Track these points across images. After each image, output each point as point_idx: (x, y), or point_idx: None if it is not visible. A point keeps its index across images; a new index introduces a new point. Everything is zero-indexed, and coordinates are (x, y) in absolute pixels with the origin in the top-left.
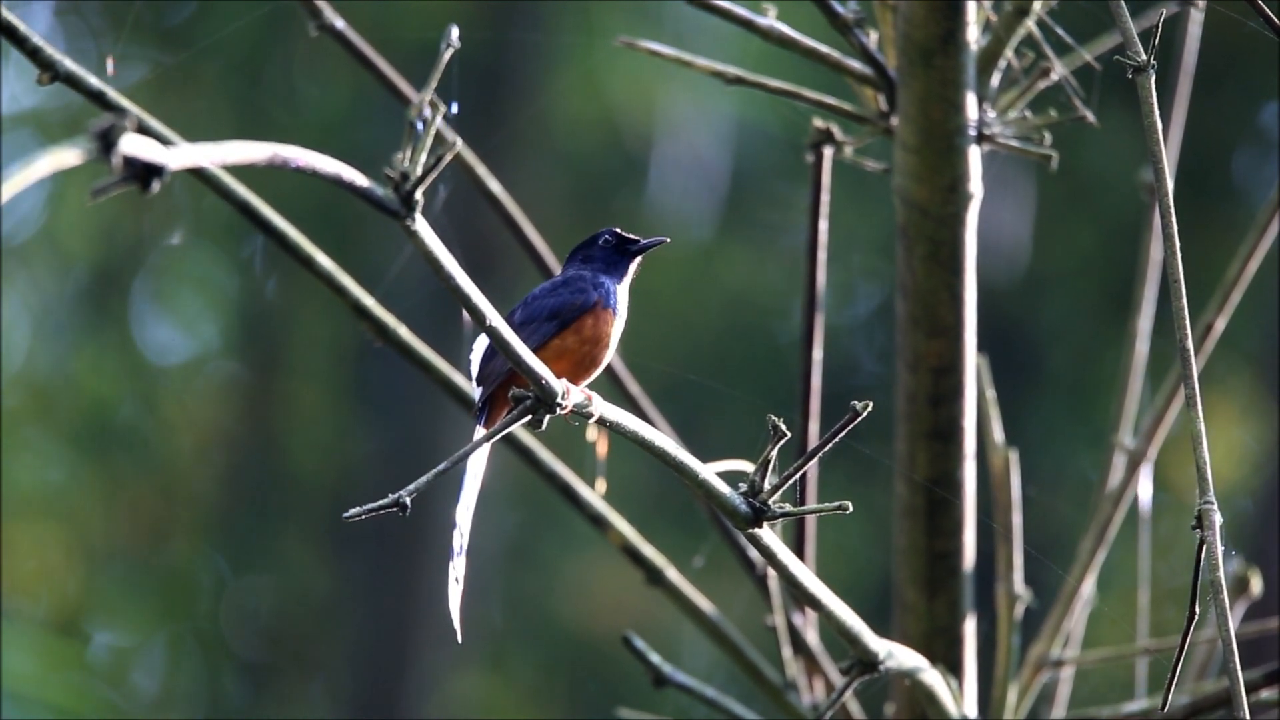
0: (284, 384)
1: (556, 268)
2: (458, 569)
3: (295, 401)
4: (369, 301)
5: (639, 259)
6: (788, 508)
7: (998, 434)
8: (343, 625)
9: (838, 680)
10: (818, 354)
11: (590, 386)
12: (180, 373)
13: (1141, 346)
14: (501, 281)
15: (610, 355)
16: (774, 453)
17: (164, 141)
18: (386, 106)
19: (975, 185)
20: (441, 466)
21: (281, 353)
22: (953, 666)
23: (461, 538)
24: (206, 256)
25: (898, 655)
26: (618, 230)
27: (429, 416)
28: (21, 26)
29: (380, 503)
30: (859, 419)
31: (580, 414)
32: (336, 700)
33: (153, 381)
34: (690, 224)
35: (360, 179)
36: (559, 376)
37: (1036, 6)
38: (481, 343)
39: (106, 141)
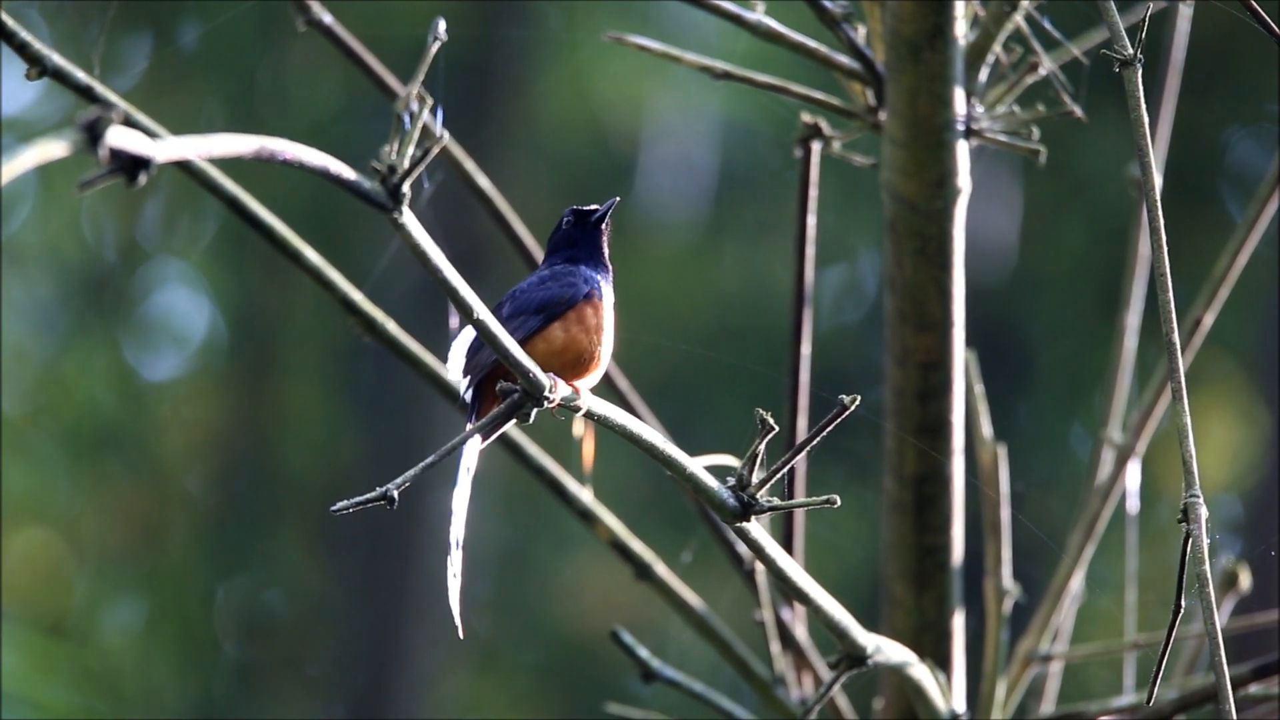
0: (275, 384)
1: None
2: (455, 564)
3: (286, 402)
4: (357, 296)
5: (605, 226)
6: (775, 501)
7: (986, 429)
8: (335, 626)
9: (826, 675)
10: (806, 349)
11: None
12: (172, 373)
13: (1130, 342)
14: (492, 279)
15: (610, 344)
16: (762, 447)
17: (151, 134)
18: (376, 105)
19: (964, 180)
20: (429, 460)
21: (272, 353)
22: (941, 661)
23: (458, 531)
24: (197, 256)
25: (886, 650)
26: (575, 208)
27: (420, 416)
28: (10, 21)
29: (368, 496)
30: (847, 413)
31: (568, 407)
32: (329, 701)
33: (144, 382)
34: (679, 222)
35: (347, 171)
36: (563, 371)
37: (1024, 2)
38: (463, 337)
39: (93, 134)
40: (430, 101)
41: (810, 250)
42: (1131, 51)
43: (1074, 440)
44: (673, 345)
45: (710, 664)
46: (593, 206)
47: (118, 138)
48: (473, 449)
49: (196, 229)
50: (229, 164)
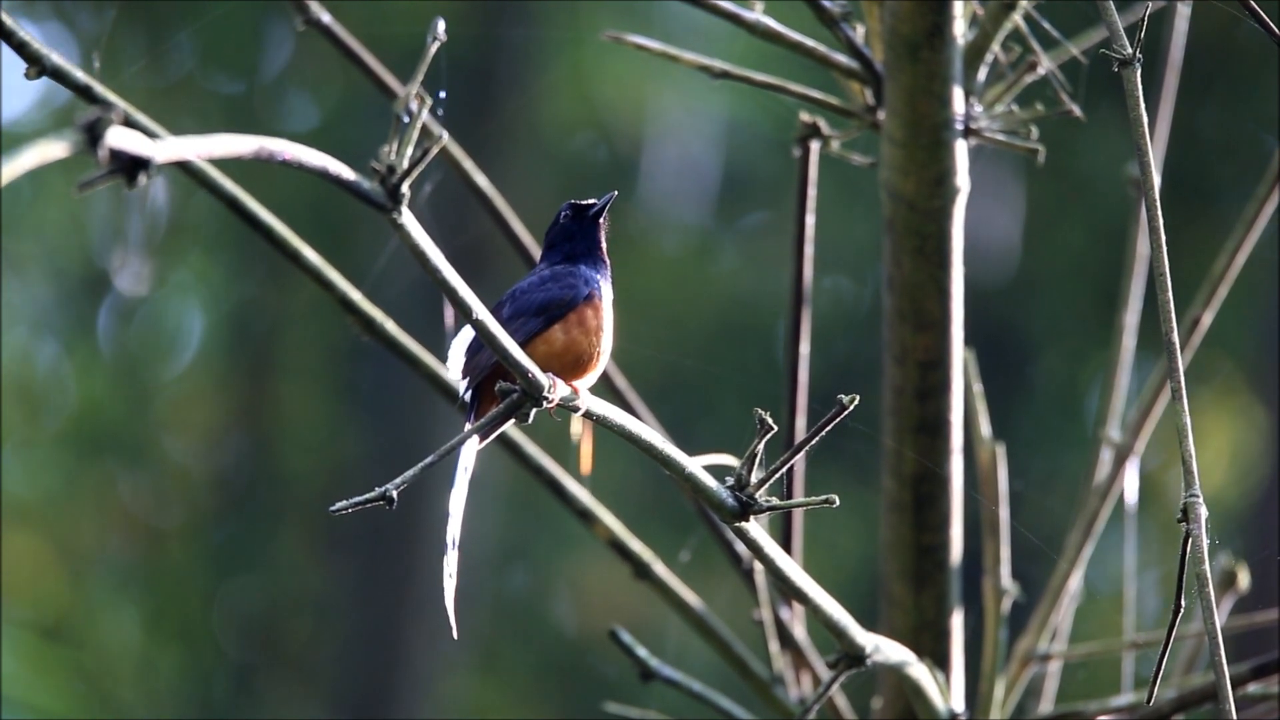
0: (275, 385)
1: None
2: (451, 564)
3: (287, 403)
4: (356, 295)
5: (603, 221)
6: (774, 501)
7: (985, 428)
8: (335, 626)
9: (825, 674)
10: (804, 349)
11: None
12: (172, 374)
13: (1128, 341)
14: (492, 279)
15: (609, 344)
16: (760, 447)
17: (150, 135)
18: (377, 108)
19: (962, 179)
20: (428, 460)
21: (272, 353)
22: (940, 660)
23: (454, 531)
24: (197, 256)
25: (884, 649)
26: (572, 202)
27: (421, 417)
28: (9, 20)
29: (366, 496)
30: (846, 412)
31: (567, 407)
32: (328, 702)
33: (144, 382)
34: (681, 223)
35: (346, 172)
36: (562, 372)
37: (1023, 1)
38: (462, 337)
39: (92, 134)
40: (429, 101)
41: (809, 249)
42: (1130, 51)
43: (1073, 439)
44: (665, 356)
45: (710, 663)
46: (590, 201)
47: (117, 138)
48: (470, 449)
49: (196, 229)
50: (229, 164)
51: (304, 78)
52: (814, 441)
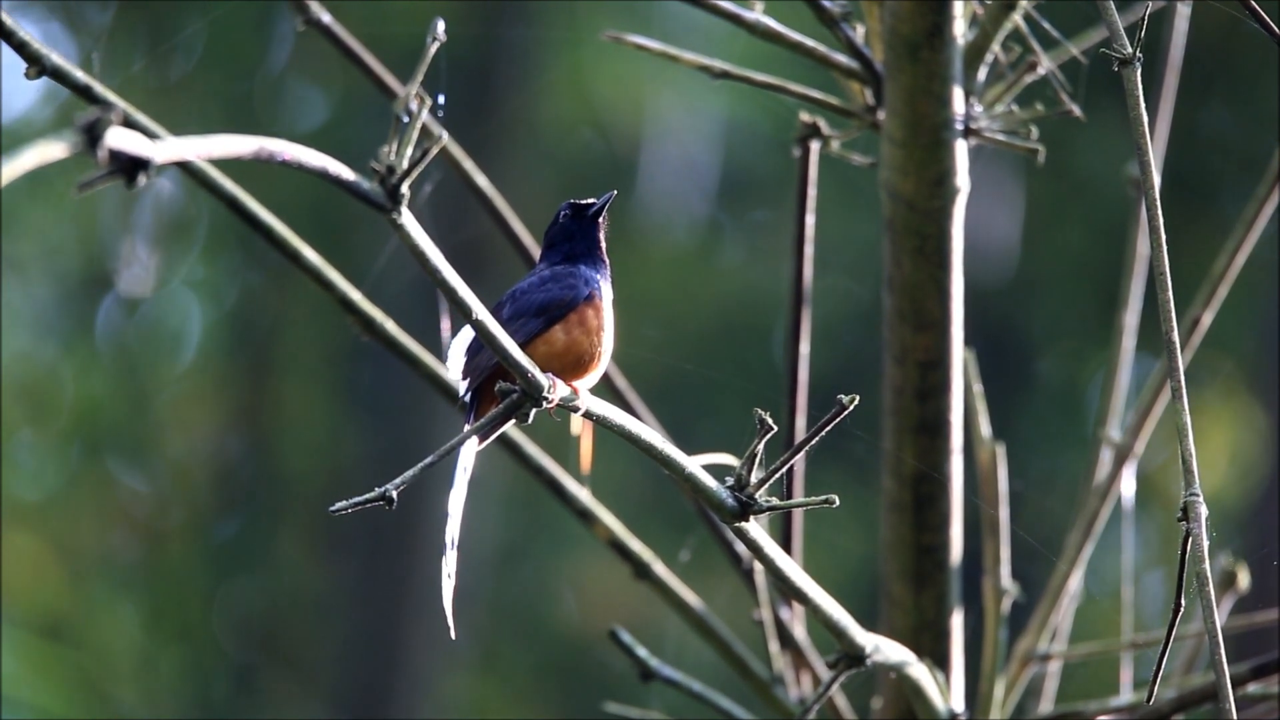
0: (275, 386)
1: None
2: (449, 564)
3: (287, 403)
4: (356, 295)
5: (602, 220)
6: (774, 501)
7: (985, 428)
8: (334, 626)
9: (824, 674)
10: (804, 348)
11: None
12: (172, 374)
13: (1128, 341)
14: (492, 279)
15: (610, 344)
16: (760, 447)
17: (150, 135)
18: (377, 108)
19: (962, 179)
20: (428, 460)
21: (272, 353)
22: (940, 660)
23: (453, 531)
24: (197, 256)
25: (884, 649)
26: (571, 201)
27: (421, 417)
28: (9, 20)
29: (367, 496)
30: (846, 412)
31: (567, 408)
32: (328, 701)
33: (144, 382)
34: (680, 223)
35: (346, 172)
36: (563, 373)
37: (1023, 1)
38: (461, 337)
39: (92, 135)
40: (429, 101)
41: (809, 249)
42: (1130, 50)
43: (1073, 439)
44: (665, 360)
45: (710, 663)
46: (589, 200)
47: (117, 139)
48: (470, 450)
49: (196, 229)
50: (229, 164)
51: (304, 78)
52: (814, 441)
